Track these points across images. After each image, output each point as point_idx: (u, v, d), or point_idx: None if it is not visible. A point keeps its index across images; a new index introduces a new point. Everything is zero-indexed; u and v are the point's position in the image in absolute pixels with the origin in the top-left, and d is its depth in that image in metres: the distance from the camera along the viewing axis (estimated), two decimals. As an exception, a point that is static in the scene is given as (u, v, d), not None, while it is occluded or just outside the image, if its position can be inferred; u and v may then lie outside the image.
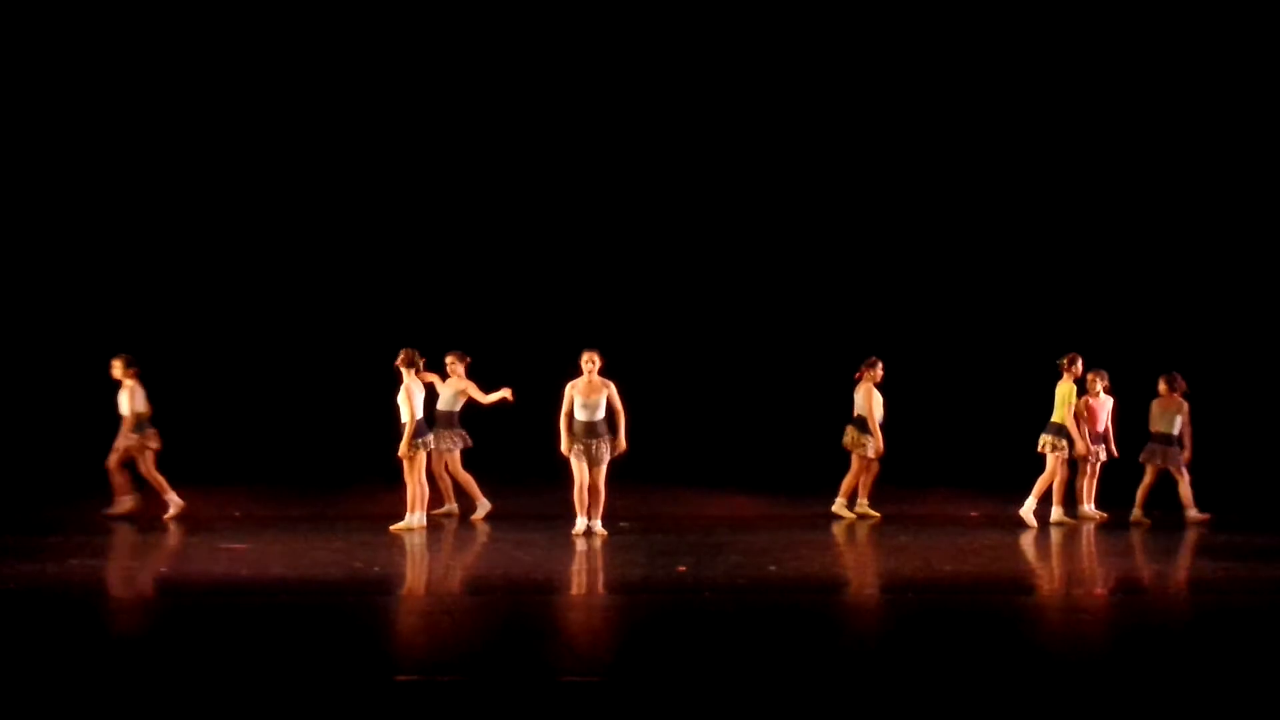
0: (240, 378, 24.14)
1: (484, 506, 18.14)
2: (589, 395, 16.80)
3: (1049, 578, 15.50)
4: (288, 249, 24.48)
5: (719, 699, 10.39)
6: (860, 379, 18.67)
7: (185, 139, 24.17)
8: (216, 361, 24.09)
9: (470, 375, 18.24)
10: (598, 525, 16.91)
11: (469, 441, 18.22)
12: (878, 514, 18.51)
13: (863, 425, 18.57)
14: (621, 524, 17.63)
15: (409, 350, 17.37)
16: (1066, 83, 24.27)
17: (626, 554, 15.93)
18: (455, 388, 18.12)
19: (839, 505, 18.55)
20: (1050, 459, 18.16)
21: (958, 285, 24.74)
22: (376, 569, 14.97)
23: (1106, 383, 18.38)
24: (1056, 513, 18.04)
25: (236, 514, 18.48)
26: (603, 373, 16.85)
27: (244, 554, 15.72)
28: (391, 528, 17.07)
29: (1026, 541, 17.13)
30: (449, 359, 18.20)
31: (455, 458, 18.18)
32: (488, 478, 18.34)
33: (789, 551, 16.15)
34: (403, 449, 17.10)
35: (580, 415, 16.80)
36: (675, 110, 24.52)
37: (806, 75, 24.45)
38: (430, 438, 17.39)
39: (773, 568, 15.24)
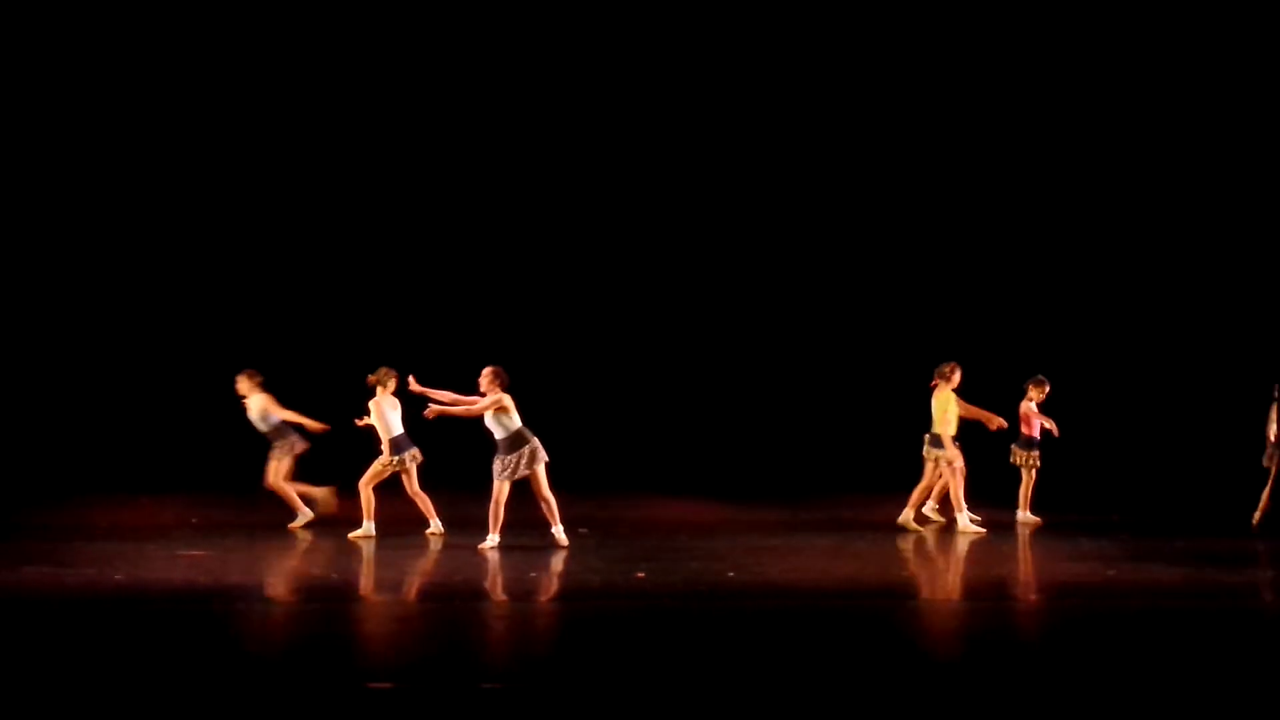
0: (199, 385, 24.03)
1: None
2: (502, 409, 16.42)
3: (1022, 583, 15.55)
4: (247, 262, 24.37)
5: (678, 705, 10.40)
6: (935, 386, 18.45)
7: (167, 151, 24.06)
8: (174, 369, 23.99)
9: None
10: (560, 533, 16.62)
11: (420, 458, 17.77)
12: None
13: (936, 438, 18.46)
14: (580, 530, 17.62)
15: (384, 369, 17.16)
16: (1046, 96, 24.42)
17: (585, 560, 15.92)
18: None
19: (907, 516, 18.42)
20: (929, 467, 18.21)
21: (924, 293, 24.79)
22: (335, 576, 14.94)
23: (1046, 389, 18.46)
24: (963, 520, 17.95)
25: (194, 520, 18.42)
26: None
27: (202, 561, 15.67)
28: (349, 535, 17.04)
29: (996, 546, 17.19)
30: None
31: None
32: (447, 486, 18.28)
33: (749, 557, 16.17)
34: (387, 461, 16.95)
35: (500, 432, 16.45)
36: (645, 114, 24.53)
37: (777, 84, 24.48)
38: (412, 453, 17.18)
39: (732, 574, 15.25)
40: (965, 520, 17.82)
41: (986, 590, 14.96)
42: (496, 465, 16.35)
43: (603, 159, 24.64)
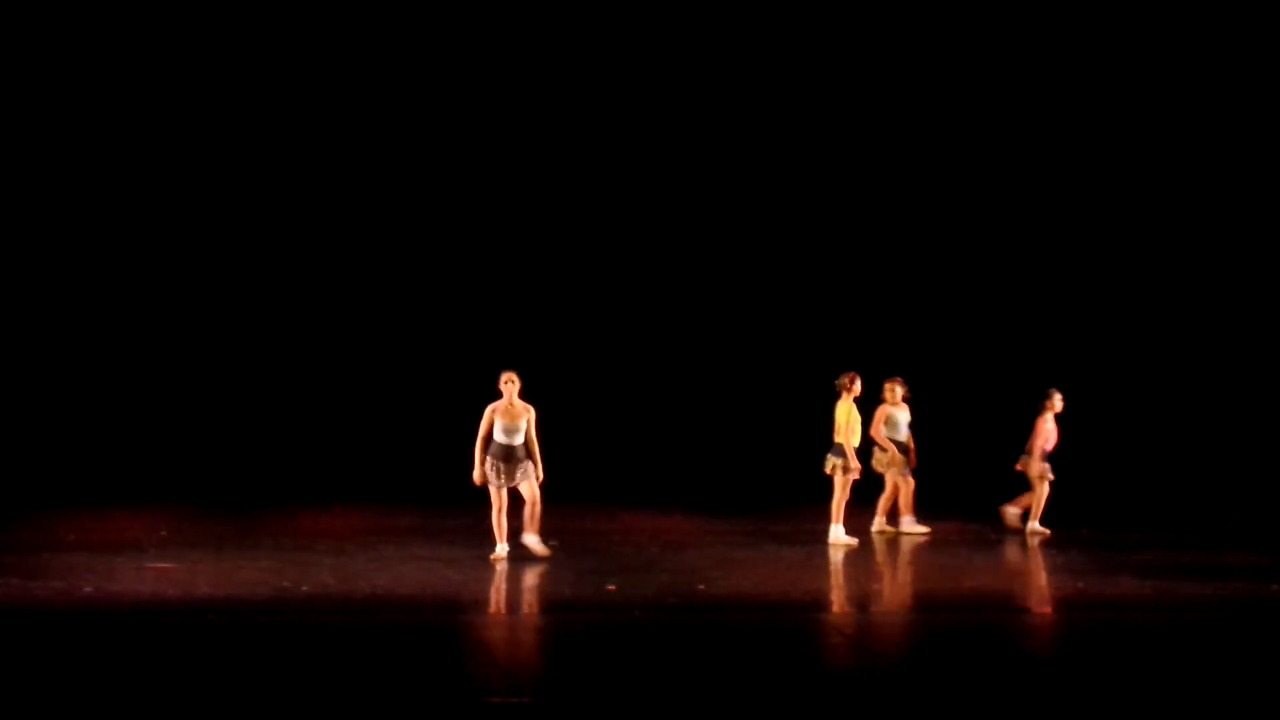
0: (170, 395, 23.97)
1: None
2: (510, 418, 16.52)
3: (993, 596, 15.57)
4: (207, 273, 24.27)
5: (645, 717, 10.40)
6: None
7: (146, 148, 23.95)
8: (143, 382, 23.89)
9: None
10: (534, 542, 16.50)
11: None
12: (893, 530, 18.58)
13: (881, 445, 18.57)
14: (551, 543, 17.60)
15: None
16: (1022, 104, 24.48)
17: (556, 573, 15.91)
18: None
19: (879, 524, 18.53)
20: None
21: (894, 307, 24.80)
22: (305, 588, 14.90)
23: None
24: (836, 531, 17.95)
25: (163, 533, 18.35)
26: (523, 395, 16.53)
27: (171, 573, 15.62)
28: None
29: (968, 558, 17.22)
30: None
31: None
32: (419, 496, 18.29)
33: (719, 570, 16.17)
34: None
35: (500, 438, 16.52)
36: (606, 126, 24.51)
37: (728, 98, 24.48)
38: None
39: (702, 586, 15.26)
40: (839, 532, 17.85)
41: (955, 603, 14.95)
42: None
43: (578, 173, 24.60)
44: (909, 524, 18.40)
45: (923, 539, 18.08)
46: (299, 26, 23.80)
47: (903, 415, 18.55)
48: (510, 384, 16.37)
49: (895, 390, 18.39)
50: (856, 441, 17.88)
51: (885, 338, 23.82)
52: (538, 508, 16.50)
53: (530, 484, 16.44)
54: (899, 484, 18.35)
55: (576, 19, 24.13)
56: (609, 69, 24.32)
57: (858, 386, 17.91)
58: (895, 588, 15.97)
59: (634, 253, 24.75)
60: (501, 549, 16.53)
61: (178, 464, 22.99)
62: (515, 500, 16.57)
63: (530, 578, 15.71)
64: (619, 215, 24.72)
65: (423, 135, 24.29)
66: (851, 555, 17.34)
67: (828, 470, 17.86)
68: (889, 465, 18.46)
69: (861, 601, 15.61)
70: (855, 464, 17.75)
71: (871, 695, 11.07)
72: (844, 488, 17.79)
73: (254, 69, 23.83)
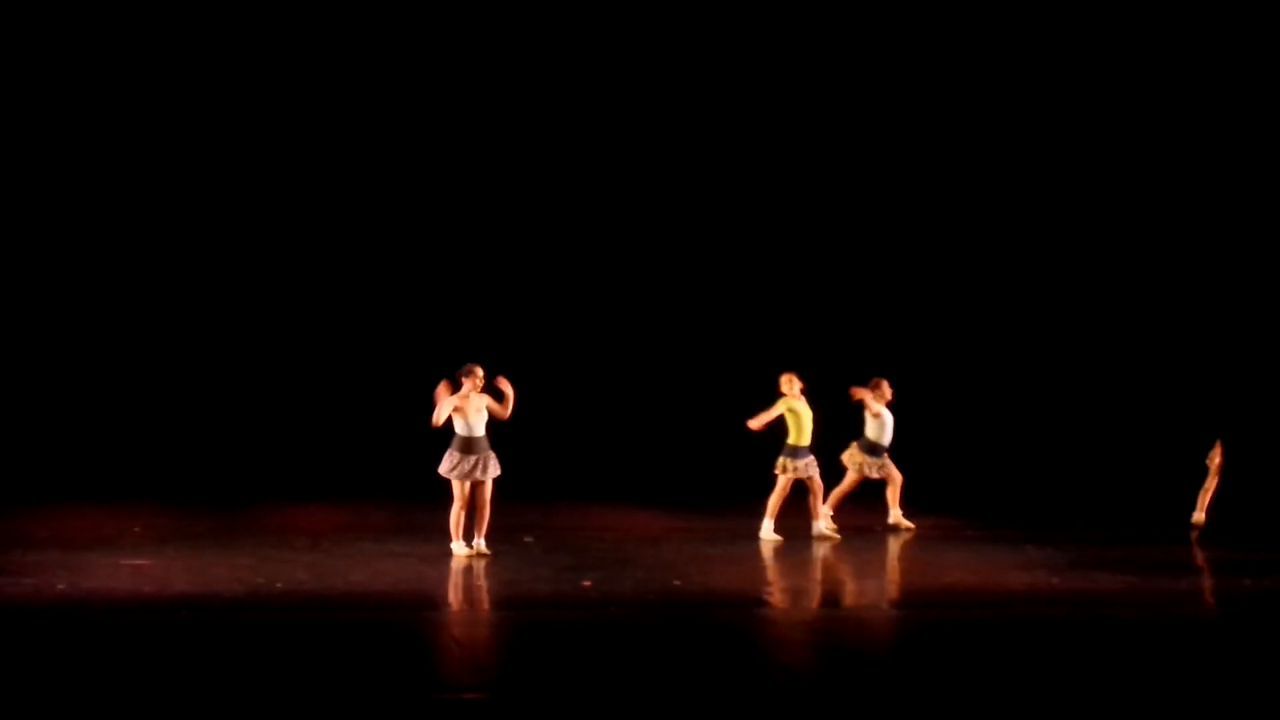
0: (145, 391, 23.90)
1: None
2: (471, 409, 16.42)
3: (962, 592, 15.58)
4: (180, 271, 24.19)
5: (626, 713, 10.39)
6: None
7: (108, 147, 23.88)
8: (116, 378, 23.83)
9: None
10: (482, 545, 16.54)
11: None
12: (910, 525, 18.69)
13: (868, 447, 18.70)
14: (526, 539, 17.59)
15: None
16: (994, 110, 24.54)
17: (533, 569, 15.90)
18: None
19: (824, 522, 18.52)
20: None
21: (862, 304, 24.86)
22: (280, 585, 14.86)
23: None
24: (767, 526, 18.00)
25: (138, 529, 18.29)
26: (490, 388, 16.48)
27: (146, 569, 15.56)
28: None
29: (946, 554, 17.24)
30: None
31: None
32: (395, 492, 18.26)
33: (695, 566, 16.17)
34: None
35: (461, 430, 16.47)
36: (569, 125, 24.50)
37: (687, 94, 24.49)
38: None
39: (678, 582, 15.26)
40: (769, 528, 17.90)
41: (933, 598, 14.96)
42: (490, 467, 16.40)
43: (544, 171, 24.60)
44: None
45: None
46: (273, 25, 23.76)
47: (888, 416, 18.62)
48: (474, 377, 16.36)
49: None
50: (805, 441, 17.90)
51: (856, 336, 23.95)
52: (488, 511, 16.49)
53: (487, 484, 16.41)
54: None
55: (544, 21, 24.10)
56: (564, 65, 24.29)
57: (794, 388, 17.91)
58: (872, 583, 15.96)
59: (607, 250, 24.76)
60: (459, 546, 16.49)
61: (152, 460, 22.93)
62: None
63: (507, 574, 15.69)
64: (593, 212, 24.72)
65: (384, 137, 24.25)
66: (829, 551, 17.36)
67: (776, 469, 17.95)
68: (856, 462, 18.56)
69: (839, 597, 15.64)
70: (797, 465, 17.81)
71: (848, 691, 11.07)
72: (780, 487, 17.90)
73: (225, 65, 23.78)
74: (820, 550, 17.49)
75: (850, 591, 15.85)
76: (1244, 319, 24.37)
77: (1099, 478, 22.62)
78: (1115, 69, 24.38)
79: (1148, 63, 24.26)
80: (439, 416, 16.36)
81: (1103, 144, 24.67)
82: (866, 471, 18.66)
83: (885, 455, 18.71)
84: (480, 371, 16.41)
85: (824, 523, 18.18)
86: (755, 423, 17.90)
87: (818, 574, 16.63)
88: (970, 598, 14.91)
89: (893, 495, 18.81)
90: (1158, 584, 15.41)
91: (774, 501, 17.93)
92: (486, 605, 14.76)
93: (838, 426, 18.61)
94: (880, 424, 18.64)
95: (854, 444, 18.77)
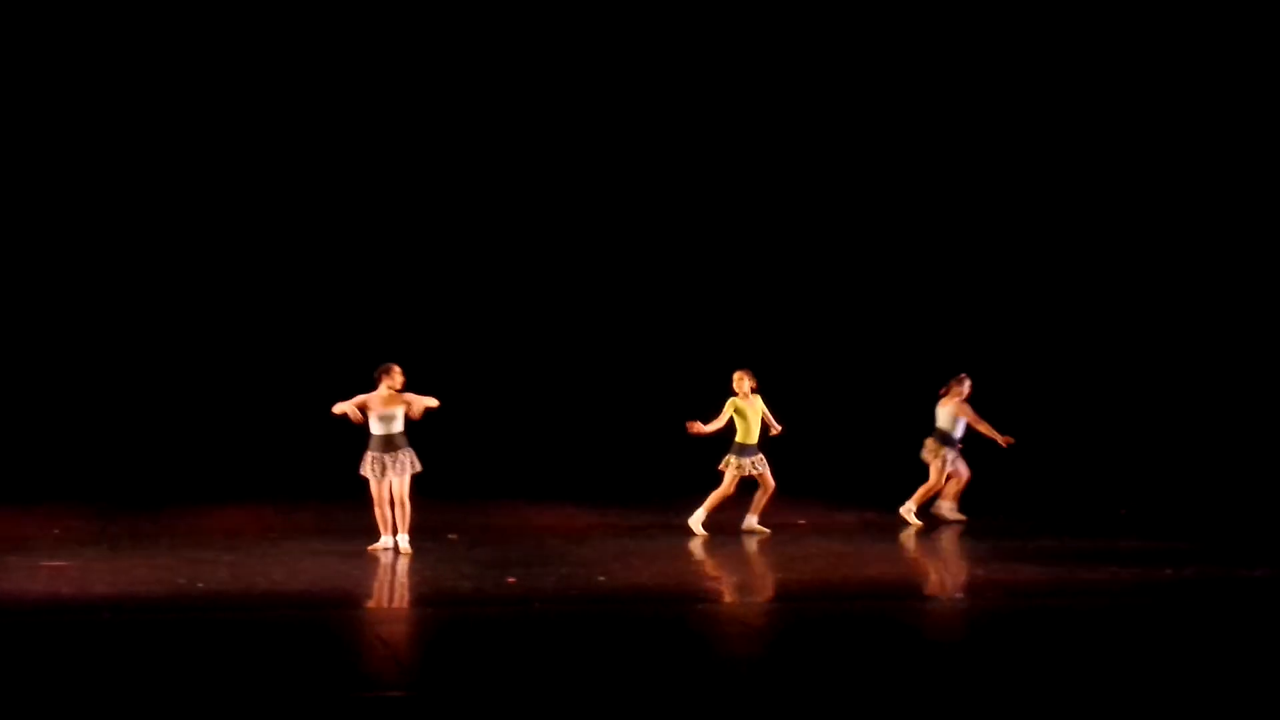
0: (64, 392, 23.70)
1: None
2: (385, 407, 16.38)
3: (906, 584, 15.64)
4: (101, 270, 24.00)
5: (551, 710, 10.37)
6: (945, 394, 18.95)
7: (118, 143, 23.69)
8: (37, 377, 23.63)
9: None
10: (404, 542, 16.50)
11: None
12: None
13: (943, 438, 18.86)
14: (450, 536, 17.55)
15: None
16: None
17: (455, 565, 15.87)
18: None
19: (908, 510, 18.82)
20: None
21: (790, 299, 24.91)
22: (201, 585, 14.76)
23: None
24: (697, 516, 18.09)
25: (56, 531, 18.13)
26: (406, 386, 16.38)
27: (65, 571, 15.43)
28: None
29: (879, 547, 17.30)
30: None
31: None
32: (316, 492, 18.19)
33: (619, 562, 16.19)
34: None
35: (376, 429, 16.42)
36: (514, 124, 24.45)
37: (636, 98, 24.48)
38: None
39: (602, 578, 15.27)
40: (699, 518, 17.97)
41: (856, 590, 15.01)
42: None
43: (475, 169, 24.53)
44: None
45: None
46: (260, 25, 23.59)
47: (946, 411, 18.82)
48: (391, 376, 16.29)
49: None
50: (753, 439, 17.92)
51: (786, 330, 24.01)
52: (407, 507, 16.46)
53: (403, 480, 16.37)
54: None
55: (501, 22, 24.06)
56: (519, 64, 24.23)
57: (745, 385, 17.93)
58: (796, 576, 15.98)
59: (534, 249, 24.70)
60: (386, 540, 16.49)
61: (71, 462, 22.74)
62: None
63: (429, 571, 15.65)
64: (522, 210, 24.66)
65: (323, 139, 24.13)
66: (758, 545, 17.41)
67: (721, 466, 17.95)
68: (935, 456, 18.81)
69: (761, 590, 15.69)
70: (743, 463, 17.84)
71: (771, 684, 11.09)
72: (723, 485, 17.91)
73: (253, 75, 23.64)
74: (749, 545, 17.52)
75: (774, 584, 15.87)
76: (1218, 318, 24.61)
77: (1041, 470, 22.67)
78: (1130, 64, 24.39)
79: (1166, 57, 24.29)
80: (339, 407, 16.33)
81: (1102, 144, 24.62)
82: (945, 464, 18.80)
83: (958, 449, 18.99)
84: (398, 370, 16.36)
85: (755, 518, 18.21)
86: (705, 428, 17.92)
87: (741, 568, 16.66)
88: (892, 589, 15.01)
89: (953, 489, 19.03)
90: (1079, 574, 15.51)
91: (715, 496, 17.94)
92: (409, 603, 14.71)
93: (837, 427, 18.63)
94: (954, 418, 18.84)
95: (928, 439, 18.96)
